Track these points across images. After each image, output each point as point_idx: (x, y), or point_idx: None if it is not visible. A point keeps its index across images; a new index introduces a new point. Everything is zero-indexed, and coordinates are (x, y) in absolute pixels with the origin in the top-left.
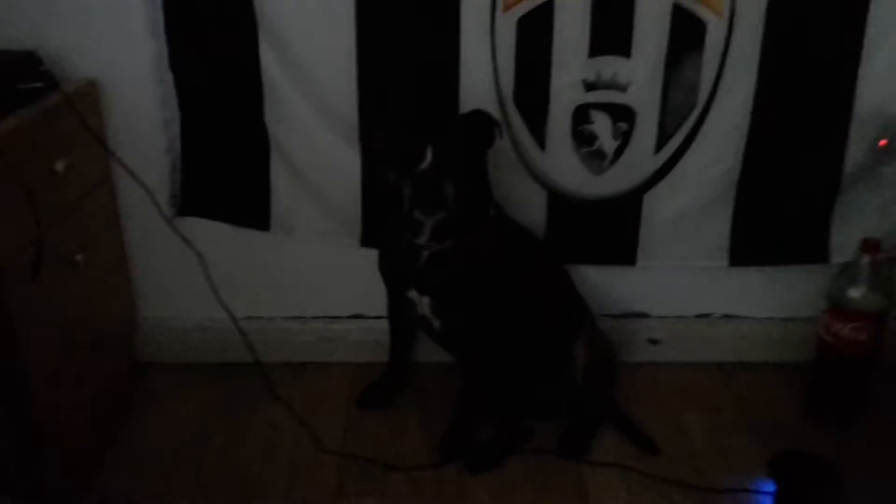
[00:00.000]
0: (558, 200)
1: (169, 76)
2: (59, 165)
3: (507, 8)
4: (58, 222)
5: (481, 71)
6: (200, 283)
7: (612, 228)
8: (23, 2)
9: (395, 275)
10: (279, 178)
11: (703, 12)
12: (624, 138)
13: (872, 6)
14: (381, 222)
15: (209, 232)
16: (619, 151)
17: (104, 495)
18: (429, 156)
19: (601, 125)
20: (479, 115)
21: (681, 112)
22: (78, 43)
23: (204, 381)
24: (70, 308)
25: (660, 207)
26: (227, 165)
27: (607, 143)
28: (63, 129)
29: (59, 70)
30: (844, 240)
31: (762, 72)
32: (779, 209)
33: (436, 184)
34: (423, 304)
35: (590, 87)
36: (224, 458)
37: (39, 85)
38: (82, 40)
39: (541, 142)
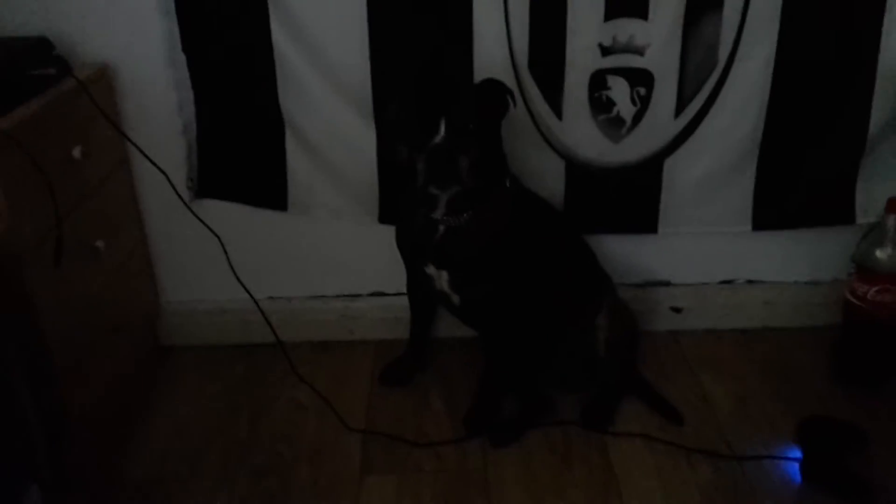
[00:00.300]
0: (576, 169)
1: (182, 58)
2: (76, 152)
3: None
4: (77, 209)
5: (495, 39)
6: (220, 264)
7: (633, 196)
8: None
9: (413, 250)
10: (295, 157)
11: None
12: (642, 103)
13: None
14: (397, 197)
15: (227, 213)
16: (637, 117)
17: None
18: (442, 129)
19: (619, 90)
20: (491, 85)
21: (700, 74)
22: (89, 27)
23: (226, 362)
24: (92, 294)
25: (681, 173)
26: (242, 146)
27: (625, 108)
28: (78, 114)
29: (72, 55)
30: (870, 200)
31: (783, 29)
32: (802, 170)
33: (449, 157)
34: (442, 278)
35: (606, 51)
36: (248, 438)
37: (53, 71)
38: (94, 24)
39: (557, 110)
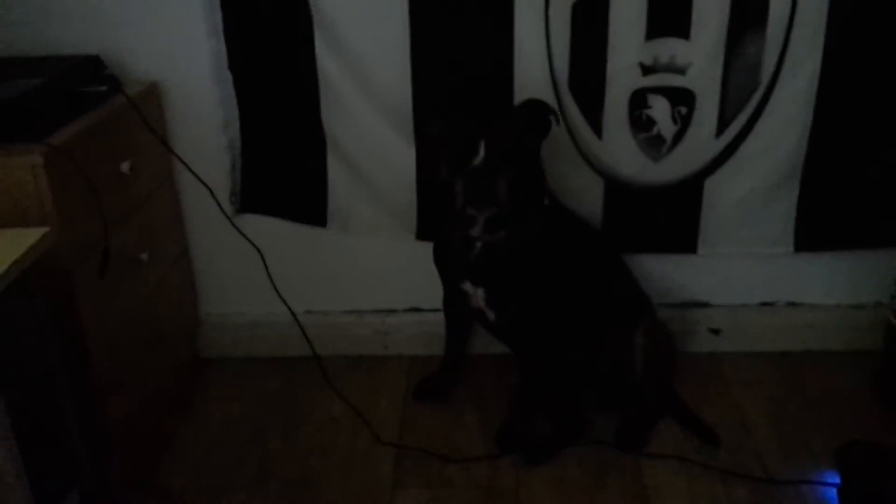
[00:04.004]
0: (616, 188)
1: (228, 76)
2: (125, 166)
3: None
4: (123, 222)
5: (536, 58)
6: (260, 278)
7: (672, 215)
8: (85, 7)
9: (450, 267)
10: (336, 173)
11: None
12: (683, 122)
13: None
14: (435, 214)
15: (268, 228)
16: (678, 136)
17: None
18: (482, 151)
19: (659, 109)
20: (533, 105)
21: (743, 93)
22: (140, 46)
23: (263, 375)
24: (134, 305)
25: (722, 193)
26: (285, 162)
27: (666, 127)
28: (127, 130)
29: (122, 73)
30: None
31: (828, 48)
32: (846, 192)
33: (489, 180)
34: (478, 295)
35: (647, 70)
36: (283, 450)
37: (104, 88)
38: (144, 44)
39: (597, 129)
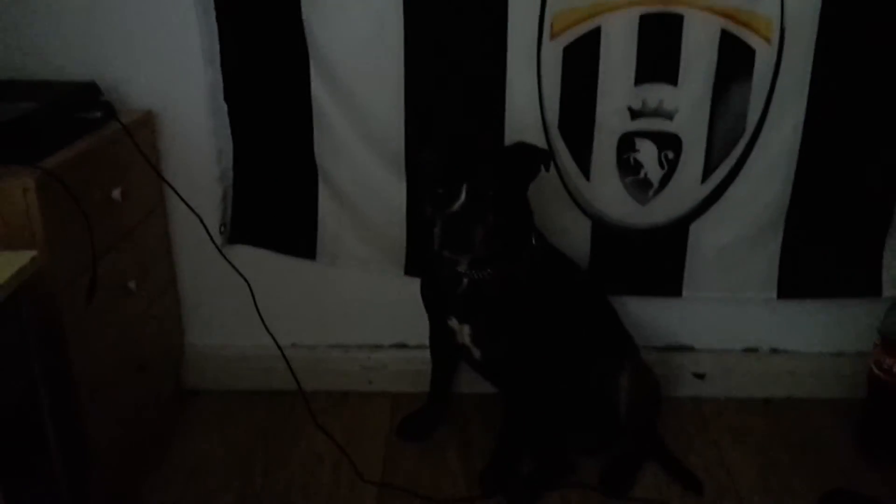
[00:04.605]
0: (602, 229)
1: (223, 106)
2: (116, 193)
3: (553, 36)
4: (113, 248)
5: (526, 99)
6: (247, 310)
7: (658, 258)
8: (84, 35)
9: (437, 302)
10: (326, 207)
11: (752, 39)
12: (670, 167)
13: None
14: (424, 249)
15: (257, 260)
16: (664, 180)
17: None
18: (462, 196)
19: (647, 153)
20: (523, 149)
21: (728, 140)
22: (136, 74)
23: (247, 408)
24: (121, 332)
25: (706, 237)
26: (276, 195)
27: (653, 171)
28: (120, 157)
29: (117, 100)
30: None
31: (812, 99)
32: (830, 240)
33: (465, 226)
34: (464, 332)
35: (635, 114)
36: (264, 484)
37: (99, 115)
38: (140, 72)
39: (585, 170)
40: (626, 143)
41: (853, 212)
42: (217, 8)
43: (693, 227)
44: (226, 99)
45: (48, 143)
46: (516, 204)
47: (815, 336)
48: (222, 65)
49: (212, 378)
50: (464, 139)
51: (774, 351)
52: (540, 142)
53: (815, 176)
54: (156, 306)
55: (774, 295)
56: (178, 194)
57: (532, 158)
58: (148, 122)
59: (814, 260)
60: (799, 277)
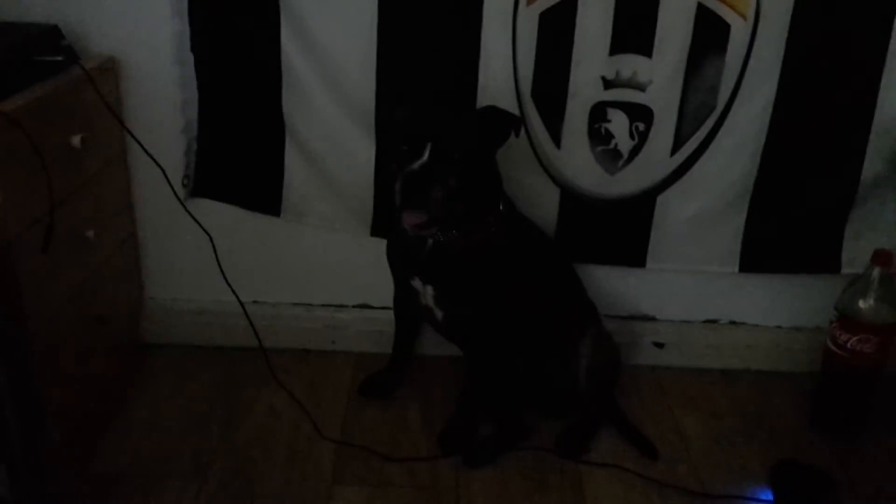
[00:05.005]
0: (571, 198)
1: (189, 57)
2: (76, 140)
3: (530, 1)
4: (71, 197)
5: (500, 63)
6: (209, 265)
7: (624, 229)
8: None
9: (401, 262)
10: (293, 164)
11: (728, 14)
12: (640, 138)
13: None
14: (391, 210)
15: (220, 215)
16: (634, 151)
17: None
18: (426, 155)
19: (618, 124)
20: (493, 112)
21: (699, 115)
22: (100, 19)
23: (206, 364)
24: (77, 284)
25: (672, 210)
26: (241, 149)
27: (623, 142)
28: (81, 104)
29: (81, 46)
30: (856, 251)
31: (783, 77)
32: (792, 217)
33: (423, 185)
34: (427, 293)
35: (608, 84)
36: (223, 440)
37: (60, 59)
38: (105, 17)
39: (556, 138)
40: (598, 113)
41: (817, 190)
42: None
43: (660, 199)
44: (192, 49)
45: (6, 86)
46: (483, 168)
47: (773, 310)
48: (190, 14)
49: (172, 332)
50: (435, 99)
51: (734, 323)
52: (512, 107)
53: (782, 154)
54: (115, 258)
55: (736, 269)
56: (139, 144)
57: (502, 123)
58: (111, 68)
59: (776, 236)
60: (761, 253)
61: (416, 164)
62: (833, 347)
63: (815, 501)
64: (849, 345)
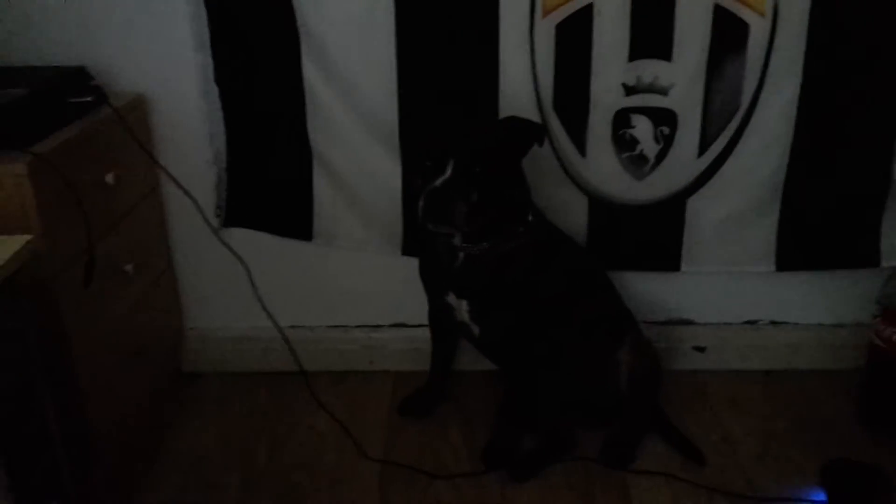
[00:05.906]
0: (599, 206)
1: (214, 89)
2: (110, 177)
3: (545, 13)
4: (108, 232)
5: (520, 77)
6: (245, 292)
7: (655, 234)
8: (74, 19)
9: (434, 278)
10: (321, 188)
11: (746, 13)
12: (666, 142)
13: None
14: (421, 228)
15: (253, 242)
16: (661, 156)
17: None
18: (448, 171)
19: (642, 129)
20: (515, 123)
21: (724, 115)
22: (126, 58)
23: (248, 389)
24: (118, 317)
25: (704, 212)
26: (270, 177)
27: (649, 147)
28: (113, 142)
29: (108, 85)
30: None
31: (807, 72)
32: (827, 212)
33: (446, 201)
34: (462, 308)
35: (630, 90)
36: (267, 465)
37: (90, 99)
38: (130, 55)
39: (581, 147)
40: (622, 120)
41: (850, 183)
42: None
43: (690, 202)
44: (216, 81)
45: (40, 129)
46: (509, 179)
47: (814, 308)
48: (212, 47)
49: (211, 361)
50: (457, 115)
51: (774, 323)
52: (535, 119)
53: (812, 148)
54: (154, 290)
55: (773, 268)
56: (171, 177)
57: (524, 133)
58: (139, 106)
59: (811, 232)
60: (797, 250)
61: (439, 181)
62: (878, 342)
63: (870, 499)
64: (893, 338)
